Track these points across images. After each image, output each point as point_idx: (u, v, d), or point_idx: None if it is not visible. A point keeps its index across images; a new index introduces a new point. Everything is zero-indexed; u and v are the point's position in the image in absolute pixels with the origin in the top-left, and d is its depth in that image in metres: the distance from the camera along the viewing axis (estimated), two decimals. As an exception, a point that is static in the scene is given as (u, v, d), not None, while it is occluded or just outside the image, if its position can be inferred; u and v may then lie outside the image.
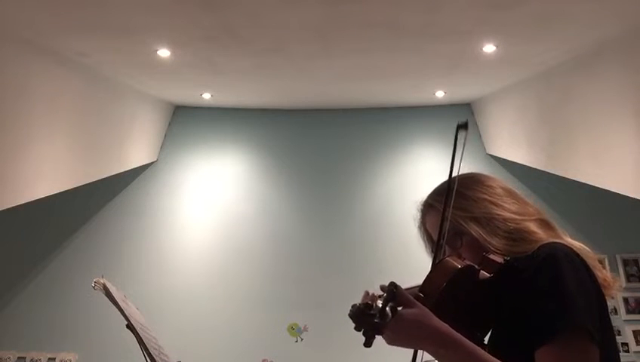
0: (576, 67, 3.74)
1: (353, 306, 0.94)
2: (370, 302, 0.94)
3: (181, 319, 4.64)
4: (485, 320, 1.12)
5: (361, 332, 0.91)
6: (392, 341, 0.97)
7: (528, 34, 3.44)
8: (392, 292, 0.94)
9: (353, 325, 0.92)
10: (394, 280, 0.97)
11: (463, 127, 1.15)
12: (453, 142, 1.14)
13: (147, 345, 1.56)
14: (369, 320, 0.91)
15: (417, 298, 1.02)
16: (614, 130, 3.54)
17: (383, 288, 0.98)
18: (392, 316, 0.93)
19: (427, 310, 0.98)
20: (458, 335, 0.97)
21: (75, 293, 4.62)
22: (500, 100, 4.84)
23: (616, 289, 1.14)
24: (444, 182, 1.28)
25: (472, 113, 5.35)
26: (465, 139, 1.13)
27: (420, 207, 1.31)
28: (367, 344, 0.92)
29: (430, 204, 1.27)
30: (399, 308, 0.95)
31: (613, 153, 3.62)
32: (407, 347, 1.00)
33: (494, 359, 0.96)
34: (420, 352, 1.09)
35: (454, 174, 1.19)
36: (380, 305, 0.92)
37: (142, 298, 4.06)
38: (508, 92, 4.66)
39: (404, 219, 4.97)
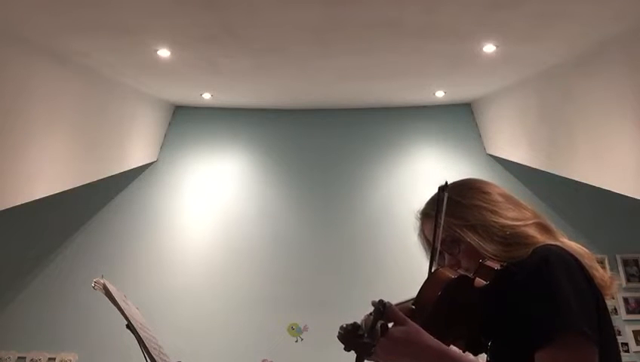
0: (577, 67, 3.73)
1: (341, 328, 0.94)
2: (358, 322, 0.93)
3: (181, 319, 4.64)
4: (483, 328, 1.12)
5: (352, 352, 0.91)
6: (382, 359, 0.98)
7: (528, 34, 3.44)
8: (380, 311, 0.94)
9: (357, 320, 0.92)
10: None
11: (443, 189, 1.17)
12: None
13: (147, 345, 1.56)
14: (358, 340, 0.91)
15: (410, 311, 1.02)
16: (614, 130, 3.54)
17: (374, 304, 0.98)
18: (382, 334, 0.92)
19: (417, 326, 0.99)
20: (447, 350, 0.99)
21: (75, 293, 4.61)
22: (500, 100, 4.84)
23: (616, 289, 1.14)
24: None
25: (472, 113, 5.35)
26: (445, 201, 1.16)
27: (418, 215, 1.32)
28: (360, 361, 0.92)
29: (426, 213, 1.29)
30: (390, 325, 0.95)
31: (613, 153, 3.61)
32: None
33: None
34: None
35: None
36: (370, 324, 0.92)
37: (142, 298, 4.06)
38: (508, 92, 4.65)
39: (403, 219, 4.95)
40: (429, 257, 1.29)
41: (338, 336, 0.93)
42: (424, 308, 1.04)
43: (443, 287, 1.07)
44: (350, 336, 0.91)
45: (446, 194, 1.16)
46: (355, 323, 0.93)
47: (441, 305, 1.05)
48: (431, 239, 1.25)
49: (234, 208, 5.13)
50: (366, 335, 0.90)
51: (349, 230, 5.05)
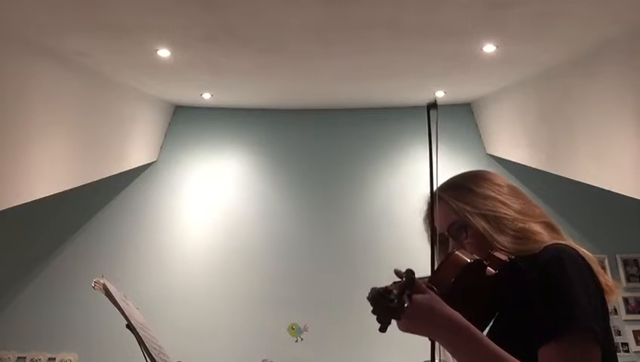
0: (576, 67, 3.73)
1: (372, 289, 0.93)
2: (389, 287, 0.93)
3: (181, 319, 4.64)
4: (486, 315, 1.14)
5: (377, 316, 0.91)
6: (405, 327, 0.97)
7: (528, 34, 3.44)
8: (411, 278, 0.94)
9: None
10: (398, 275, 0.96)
11: (432, 106, 1.11)
12: (436, 131, 1.10)
13: (147, 345, 1.56)
14: (387, 304, 0.91)
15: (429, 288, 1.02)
16: (614, 130, 3.54)
17: (398, 273, 0.98)
18: (409, 302, 0.93)
19: (439, 298, 0.99)
20: (469, 324, 0.98)
21: (75, 293, 4.61)
22: (500, 100, 4.84)
23: (617, 296, 1.16)
24: (455, 177, 1.30)
25: (472, 113, 5.35)
26: (437, 118, 1.09)
27: (428, 199, 1.30)
28: (383, 329, 0.92)
29: (439, 197, 1.27)
30: (414, 295, 0.95)
31: (613, 153, 3.61)
32: (419, 333, 1.00)
33: (502, 350, 0.97)
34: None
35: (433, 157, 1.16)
36: (398, 291, 0.92)
37: (142, 298, 4.06)
38: (508, 92, 4.65)
39: (403, 219, 4.98)
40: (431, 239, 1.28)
41: (368, 297, 0.93)
42: (441, 287, 1.05)
43: (461, 269, 1.08)
44: (380, 299, 0.91)
45: (436, 112, 1.09)
46: (386, 287, 0.93)
47: (456, 287, 1.06)
48: (438, 223, 1.23)
49: (234, 208, 5.13)
50: (396, 300, 0.91)
51: (349, 230, 5.05)
